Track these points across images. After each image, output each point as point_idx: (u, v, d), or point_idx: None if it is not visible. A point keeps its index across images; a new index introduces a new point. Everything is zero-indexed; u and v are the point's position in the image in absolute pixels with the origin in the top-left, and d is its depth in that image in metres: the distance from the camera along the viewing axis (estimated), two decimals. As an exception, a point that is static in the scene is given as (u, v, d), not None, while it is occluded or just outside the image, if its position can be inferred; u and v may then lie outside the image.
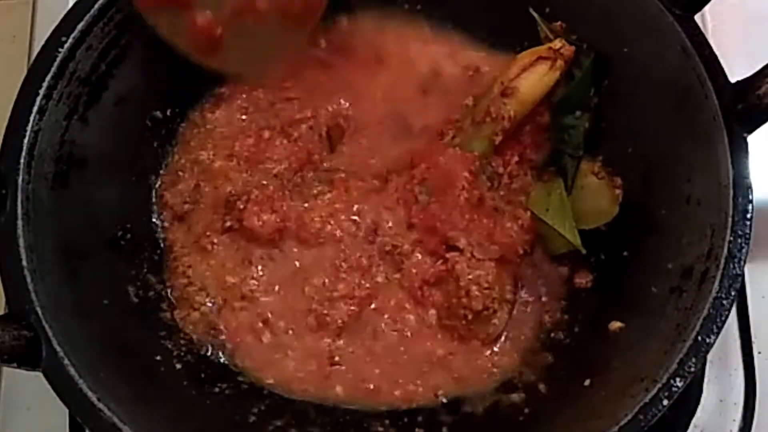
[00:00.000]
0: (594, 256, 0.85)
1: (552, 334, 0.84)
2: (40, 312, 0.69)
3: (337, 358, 0.83)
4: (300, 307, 0.84)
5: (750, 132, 0.71)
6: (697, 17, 0.77)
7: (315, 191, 0.87)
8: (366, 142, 0.91)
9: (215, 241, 0.86)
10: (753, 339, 0.87)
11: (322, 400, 0.83)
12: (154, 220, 0.89)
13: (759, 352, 0.87)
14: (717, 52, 0.75)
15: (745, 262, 0.69)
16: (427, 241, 0.84)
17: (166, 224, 0.89)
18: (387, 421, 0.81)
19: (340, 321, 0.83)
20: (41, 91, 0.75)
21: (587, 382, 0.76)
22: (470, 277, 0.81)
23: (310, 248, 0.86)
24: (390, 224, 0.86)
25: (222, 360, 0.84)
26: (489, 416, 0.80)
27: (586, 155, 0.86)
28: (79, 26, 0.77)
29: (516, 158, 0.87)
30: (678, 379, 0.66)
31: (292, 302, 0.85)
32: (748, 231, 0.69)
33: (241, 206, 0.85)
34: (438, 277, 0.83)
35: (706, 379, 0.83)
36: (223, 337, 0.84)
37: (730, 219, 0.69)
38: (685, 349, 0.67)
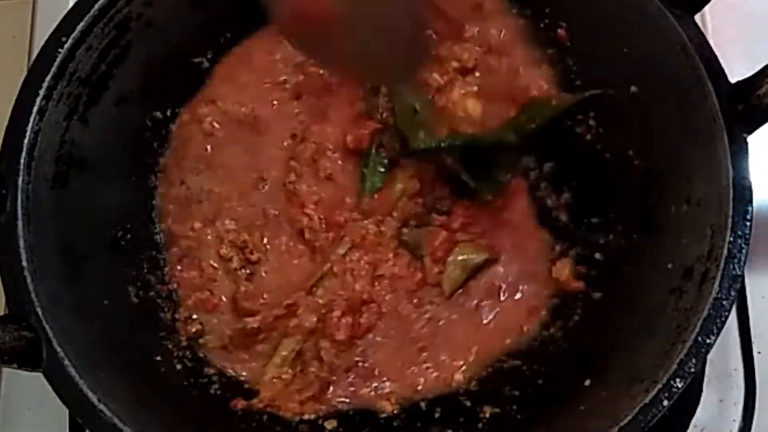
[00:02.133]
0: (592, 256, 0.85)
1: (551, 335, 0.84)
2: (40, 312, 0.69)
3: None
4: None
5: (750, 132, 0.71)
6: (697, 17, 0.76)
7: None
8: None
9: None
10: (753, 339, 0.87)
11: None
12: (154, 219, 0.89)
13: (759, 352, 0.87)
14: (717, 52, 0.74)
15: (745, 263, 0.69)
16: None
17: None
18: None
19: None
20: (41, 92, 0.75)
21: (587, 383, 0.76)
22: None
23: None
24: None
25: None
26: (490, 418, 0.80)
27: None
28: (79, 26, 0.77)
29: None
30: (678, 380, 0.66)
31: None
32: (748, 232, 0.69)
33: None
34: None
35: (706, 379, 0.83)
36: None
37: (730, 220, 0.69)
38: (685, 350, 0.66)
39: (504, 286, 0.87)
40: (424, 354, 0.85)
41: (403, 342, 0.85)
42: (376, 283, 0.86)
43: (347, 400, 0.83)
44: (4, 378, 0.89)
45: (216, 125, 0.91)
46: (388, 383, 0.84)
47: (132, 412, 0.70)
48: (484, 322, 0.86)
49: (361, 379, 0.83)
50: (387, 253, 0.86)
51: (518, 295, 0.87)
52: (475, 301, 0.86)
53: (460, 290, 0.86)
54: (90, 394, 0.68)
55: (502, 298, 0.87)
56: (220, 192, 0.89)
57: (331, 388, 0.83)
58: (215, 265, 0.87)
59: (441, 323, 0.86)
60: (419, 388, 0.84)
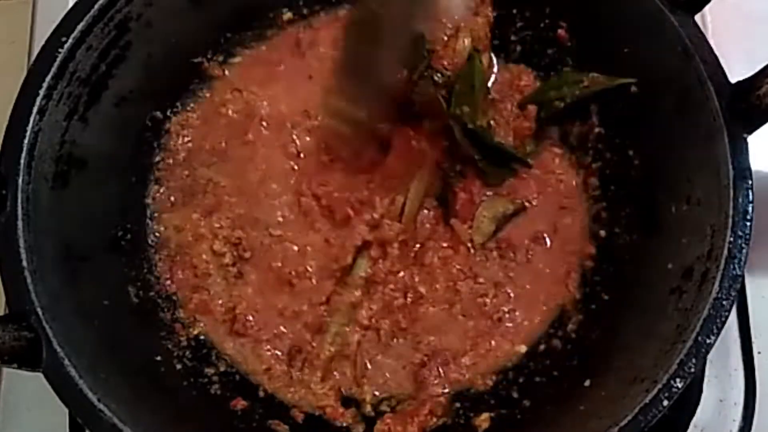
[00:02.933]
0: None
1: (552, 335, 0.84)
2: (40, 312, 0.69)
3: None
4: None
5: (750, 132, 0.71)
6: (697, 17, 0.77)
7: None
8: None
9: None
10: (753, 339, 0.87)
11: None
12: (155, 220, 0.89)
13: (759, 352, 0.87)
14: (717, 52, 0.75)
15: (745, 263, 0.69)
16: None
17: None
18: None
19: None
20: (41, 92, 0.75)
21: (587, 383, 0.76)
22: None
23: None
24: None
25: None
26: (490, 418, 0.80)
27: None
28: (79, 26, 0.77)
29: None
30: (678, 380, 0.66)
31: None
32: (748, 231, 0.69)
33: None
34: None
35: (706, 379, 0.83)
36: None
37: (730, 219, 0.69)
38: (685, 350, 0.66)
39: (544, 228, 0.88)
40: (500, 321, 0.85)
41: (475, 317, 0.85)
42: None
43: (446, 390, 0.83)
44: (4, 378, 0.89)
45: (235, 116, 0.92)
46: (468, 359, 0.84)
47: (132, 412, 0.70)
48: (541, 267, 0.86)
49: (444, 365, 0.83)
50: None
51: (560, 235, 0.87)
52: (524, 251, 0.87)
53: (509, 248, 0.87)
54: (90, 394, 0.68)
55: (548, 243, 0.87)
56: (225, 186, 0.90)
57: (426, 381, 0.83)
58: (208, 260, 0.87)
59: (507, 287, 0.86)
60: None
